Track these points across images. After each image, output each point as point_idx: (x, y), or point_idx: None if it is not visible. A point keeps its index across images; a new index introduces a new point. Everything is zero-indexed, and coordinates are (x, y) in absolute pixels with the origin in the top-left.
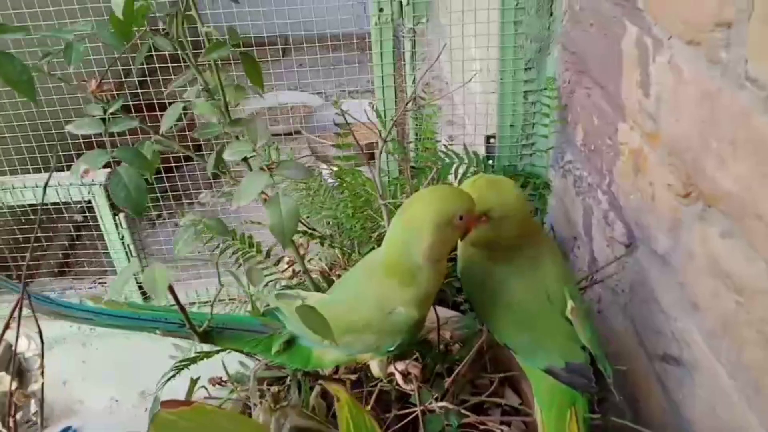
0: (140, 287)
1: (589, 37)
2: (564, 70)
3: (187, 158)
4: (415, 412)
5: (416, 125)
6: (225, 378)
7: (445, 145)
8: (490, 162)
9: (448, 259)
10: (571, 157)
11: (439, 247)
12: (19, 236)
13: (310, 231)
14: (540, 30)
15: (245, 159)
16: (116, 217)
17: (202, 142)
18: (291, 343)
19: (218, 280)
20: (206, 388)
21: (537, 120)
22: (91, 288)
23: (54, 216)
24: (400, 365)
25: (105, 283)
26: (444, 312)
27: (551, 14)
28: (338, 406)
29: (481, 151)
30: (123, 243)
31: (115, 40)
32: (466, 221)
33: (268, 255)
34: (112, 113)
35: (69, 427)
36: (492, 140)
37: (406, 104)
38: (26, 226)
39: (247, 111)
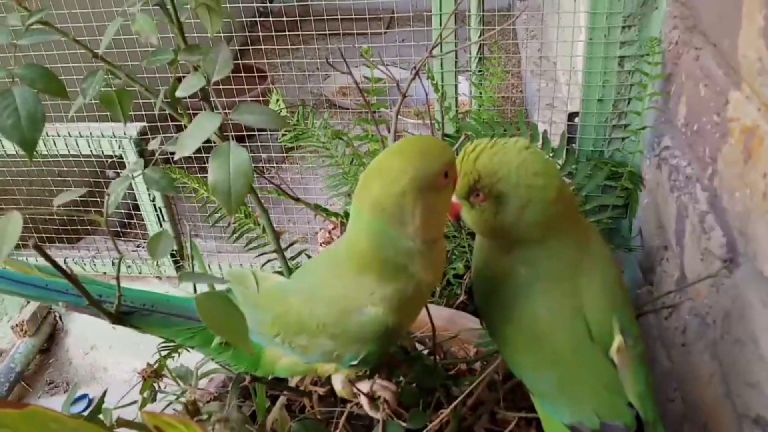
0: (173, 255)
1: None
2: (672, 29)
3: (260, 128)
4: None
5: (477, 90)
6: (159, 369)
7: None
8: (573, 146)
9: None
10: (669, 141)
11: (433, 219)
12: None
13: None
14: None
15: (205, 96)
16: None
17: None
18: None
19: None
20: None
21: (633, 94)
22: (133, 252)
23: (97, 170)
24: (364, 385)
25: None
26: (470, 321)
27: None
28: None
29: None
30: (154, 206)
31: None
32: (452, 178)
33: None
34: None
35: (85, 395)
36: (576, 119)
37: (433, 49)
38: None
39: (338, 84)
